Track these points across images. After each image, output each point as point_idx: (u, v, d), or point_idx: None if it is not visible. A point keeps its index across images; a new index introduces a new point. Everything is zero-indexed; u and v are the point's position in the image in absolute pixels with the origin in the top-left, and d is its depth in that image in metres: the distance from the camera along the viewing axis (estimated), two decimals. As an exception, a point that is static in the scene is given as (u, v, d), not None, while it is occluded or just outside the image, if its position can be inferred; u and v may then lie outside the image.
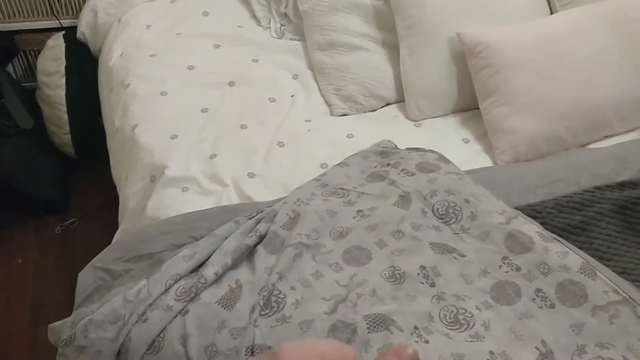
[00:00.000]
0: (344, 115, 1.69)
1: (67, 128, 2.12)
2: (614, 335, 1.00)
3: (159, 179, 1.47)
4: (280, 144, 1.55)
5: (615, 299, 1.04)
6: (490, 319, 1.03)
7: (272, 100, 1.69)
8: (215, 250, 1.12)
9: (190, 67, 1.77)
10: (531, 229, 1.16)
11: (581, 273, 1.08)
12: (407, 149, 1.45)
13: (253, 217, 1.21)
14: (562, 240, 1.16)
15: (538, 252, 1.12)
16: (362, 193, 1.27)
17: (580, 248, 1.23)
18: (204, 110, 1.64)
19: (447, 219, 1.20)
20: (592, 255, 1.21)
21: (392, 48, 1.72)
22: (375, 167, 1.37)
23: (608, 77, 1.53)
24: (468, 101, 1.65)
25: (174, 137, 1.56)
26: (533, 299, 1.07)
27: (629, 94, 1.54)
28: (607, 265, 1.20)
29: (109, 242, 1.38)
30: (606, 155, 1.43)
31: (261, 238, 1.14)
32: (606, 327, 1.02)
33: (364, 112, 1.70)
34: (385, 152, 1.42)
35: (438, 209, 1.21)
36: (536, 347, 1.00)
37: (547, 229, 1.24)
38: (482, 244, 1.15)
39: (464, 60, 1.60)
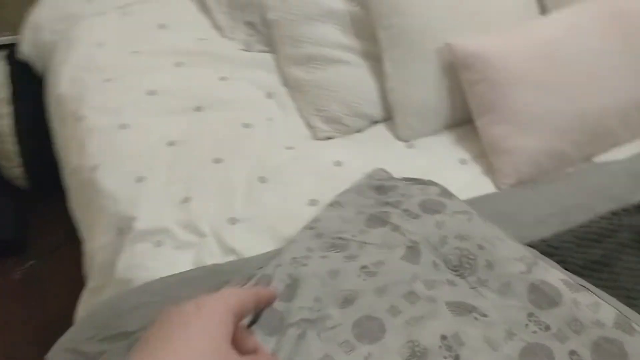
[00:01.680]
0: (328, 138, 1.54)
1: (18, 161, 1.91)
2: None
3: (127, 232, 1.30)
4: (262, 179, 1.40)
5: None
6: None
7: (247, 125, 1.53)
8: None
9: (151, 92, 1.59)
10: (555, 276, 1.04)
11: (617, 328, 0.97)
12: (405, 180, 1.31)
13: (241, 285, 1.06)
14: (589, 286, 1.04)
15: (567, 305, 1.00)
16: (364, 243, 1.13)
17: (605, 287, 1.12)
18: (171, 144, 1.47)
19: (462, 271, 1.07)
20: (618, 295, 1.11)
21: (375, 59, 1.57)
22: (373, 206, 1.23)
23: (611, 83, 1.42)
24: (461, 116, 1.52)
25: (139, 179, 1.39)
26: None
27: (633, 100, 1.43)
28: (635, 305, 1.10)
29: (75, 285, 1.23)
30: (619, 172, 1.33)
31: (256, 314, 1.00)
32: None
33: (350, 133, 1.55)
34: (381, 186, 1.28)
35: (451, 259, 1.08)
36: None
37: (567, 268, 1.13)
38: (503, 298, 1.03)
39: (455, 72, 1.46)
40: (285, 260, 1.09)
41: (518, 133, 1.37)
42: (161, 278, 1.17)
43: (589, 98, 1.39)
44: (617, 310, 1.00)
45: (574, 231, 1.20)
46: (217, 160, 1.44)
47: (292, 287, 1.03)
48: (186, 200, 1.35)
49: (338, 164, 1.45)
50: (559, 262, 1.15)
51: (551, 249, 1.17)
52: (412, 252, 1.09)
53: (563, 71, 1.39)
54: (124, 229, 1.31)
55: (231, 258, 1.24)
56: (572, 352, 0.96)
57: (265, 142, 1.49)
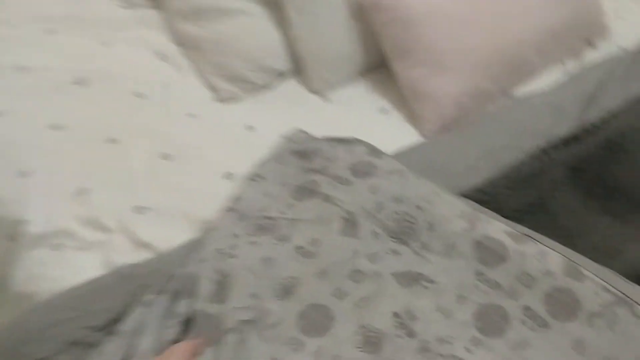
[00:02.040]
0: (234, 99, 1.39)
1: None
2: (619, 345, 0.88)
3: (18, 238, 1.13)
4: (166, 157, 1.25)
5: (608, 299, 0.92)
6: None
7: (140, 95, 1.36)
8: (126, 357, 0.85)
9: (21, 69, 1.37)
10: (498, 229, 1.00)
11: (566, 276, 0.94)
12: (328, 140, 1.20)
13: (163, 289, 0.94)
14: (533, 235, 1.00)
15: (514, 259, 0.96)
16: (295, 220, 1.03)
17: (544, 229, 1.09)
18: (55, 128, 1.28)
19: (404, 237, 1.00)
20: (559, 236, 1.08)
21: (275, 6, 1.42)
22: (298, 174, 1.12)
23: (525, 13, 1.36)
24: (376, 60, 1.42)
25: (23, 174, 1.20)
26: (523, 321, 0.92)
27: (546, 28, 1.38)
28: (576, 245, 1.08)
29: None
30: (540, 107, 1.29)
31: (184, 326, 0.88)
32: (608, 337, 0.89)
33: (258, 90, 1.41)
34: (303, 151, 1.16)
35: (390, 226, 1.01)
36: None
37: (503, 215, 1.09)
38: (449, 260, 0.98)
39: (365, 14, 1.34)
40: (209, 253, 0.97)
41: (437, 74, 1.29)
42: (70, 289, 1.02)
43: (505, 30, 1.33)
44: (564, 256, 0.96)
45: (505, 175, 1.16)
46: (111, 141, 1.27)
47: (223, 285, 0.92)
48: (82, 191, 1.18)
49: (250, 128, 1.32)
50: (495, 209, 1.10)
51: (486, 196, 1.12)
52: (349, 224, 1.00)
53: (477, 5, 1.31)
54: (14, 235, 1.14)
55: (146, 254, 1.10)
56: (526, 308, 0.93)
57: (163, 113, 1.33)
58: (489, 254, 0.97)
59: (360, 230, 0.99)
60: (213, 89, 1.40)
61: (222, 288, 0.92)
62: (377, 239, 0.99)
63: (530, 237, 0.99)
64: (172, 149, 1.26)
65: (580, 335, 0.90)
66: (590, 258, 1.04)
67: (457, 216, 1.01)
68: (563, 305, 0.92)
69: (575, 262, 0.96)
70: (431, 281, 0.95)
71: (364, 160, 1.10)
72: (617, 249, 1.07)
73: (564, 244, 1.07)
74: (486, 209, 1.07)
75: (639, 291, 0.95)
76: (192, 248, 1.04)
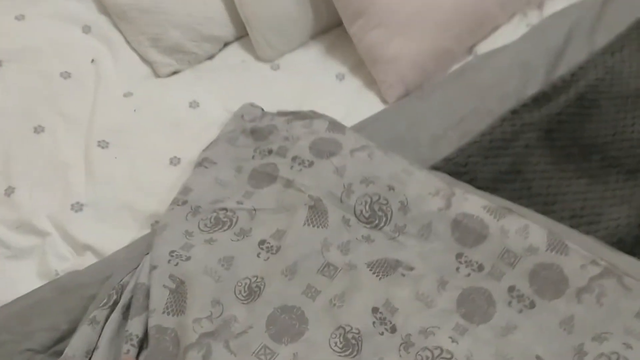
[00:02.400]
0: (174, 73, 1.26)
1: None
2: (608, 319, 0.84)
3: (-63, 250, 0.99)
4: (102, 144, 1.12)
5: (595, 272, 0.87)
6: (472, 349, 0.81)
7: (67, 75, 1.21)
8: None
9: None
10: (476, 204, 0.92)
11: (551, 251, 0.88)
12: (283, 115, 1.10)
13: (112, 302, 0.83)
14: (513, 207, 0.94)
15: (496, 237, 0.89)
16: (255, 210, 0.93)
17: (520, 198, 1.04)
18: (-30, 118, 1.12)
19: (377, 221, 0.92)
20: (535, 204, 1.03)
21: (212, -34, 1.28)
22: (254, 157, 1.01)
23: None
24: (329, 21, 1.30)
25: (-63, 175, 1.05)
26: (509, 302, 0.86)
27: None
28: (554, 212, 1.02)
29: None
30: (506, 65, 1.21)
31: (140, 344, 0.78)
32: (597, 312, 0.85)
33: (199, 62, 1.28)
34: (257, 129, 1.05)
35: (361, 210, 0.92)
36: None
37: (477, 185, 1.02)
38: (426, 243, 0.90)
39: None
40: (161, 257, 0.86)
41: (397, 36, 1.19)
42: (3, 306, 0.90)
43: (464, -18, 1.23)
44: (547, 229, 0.90)
45: (477, 142, 1.08)
46: (38, 130, 1.13)
47: (179, 293, 0.82)
48: (9, 191, 1.05)
49: (194, 104, 1.20)
50: (469, 181, 1.03)
51: (458, 167, 1.05)
52: (316, 212, 0.91)
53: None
54: None
55: (88, 258, 0.98)
56: (511, 288, 0.87)
57: (94, 94, 1.19)
58: (468, 233, 0.90)
59: (328, 218, 0.90)
60: (149, 63, 1.26)
61: (178, 298, 0.82)
62: (348, 226, 0.91)
63: (510, 210, 0.93)
64: (108, 135, 1.13)
65: (569, 313, 0.85)
66: (569, 225, 0.99)
67: (432, 194, 0.93)
68: (549, 282, 0.87)
69: (559, 235, 0.90)
70: (410, 268, 0.88)
71: (326, 138, 1.00)
72: (597, 213, 1.02)
73: (542, 212, 1.01)
74: (461, 182, 1.00)
75: (625, 260, 0.90)
76: (139, 249, 0.93)
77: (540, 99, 1.15)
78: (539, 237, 0.89)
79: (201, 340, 0.77)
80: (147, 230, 1.00)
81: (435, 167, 1.05)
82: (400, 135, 1.10)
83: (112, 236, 1.00)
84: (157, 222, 1.01)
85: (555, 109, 1.13)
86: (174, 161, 1.11)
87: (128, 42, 1.29)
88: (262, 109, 1.13)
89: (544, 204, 1.03)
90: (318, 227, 0.90)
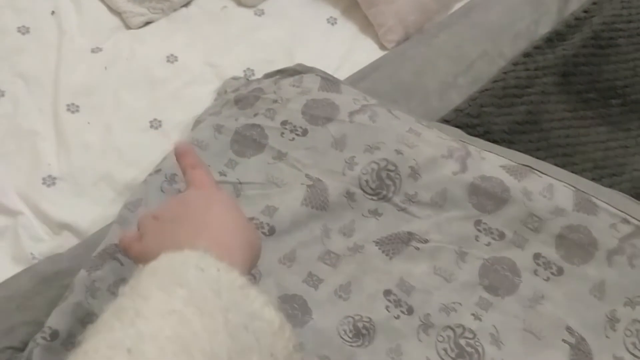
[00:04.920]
0: (147, 24, 1.16)
1: None
2: None
3: None
4: (72, 108, 1.03)
5: (627, 231, 0.82)
6: (498, 325, 0.77)
7: (24, 30, 1.11)
8: None
9: None
10: (494, 164, 0.86)
11: (579, 211, 0.83)
12: (269, 76, 1.01)
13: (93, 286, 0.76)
14: (534, 164, 0.88)
15: (518, 199, 0.83)
16: (241, 183, 0.86)
17: (538, 150, 0.98)
18: None
19: (385, 192, 0.85)
20: (555, 156, 0.98)
21: None
22: (238, 121, 0.92)
23: None
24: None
25: None
26: (535, 271, 0.81)
27: None
28: (574, 164, 0.98)
29: None
30: (516, 2, 1.13)
31: None
32: (629, 274, 0.80)
33: (175, 10, 1.18)
34: (241, 97, 0.96)
35: (368, 181, 0.85)
36: (564, 341, 0.77)
37: (492, 139, 0.96)
38: (441, 212, 0.84)
39: None
40: None
41: (394, -28, 1.10)
42: (-26, 299, 0.83)
43: None
44: (573, 186, 0.85)
45: (489, 89, 1.01)
46: (-2, 94, 1.03)
47: None
48: (-29, 167, 0.96)
49: (171, 58, 1.11)
50: (483, 133, 0.97)
51: (470, 118, 0.99)
52: (313, 192, 0.84)
53: None
54: None
55: (67, 238, 0.91)
56: (537, 256, 0.82)
57: (57, 51, 1.09)
58: (487, 197, 0.84)
59: (329, 197, 0.83)
60: (118, 13, 1.16)
61: None
62: (353, 202, 0.84)
63: (531, 168, 0.87)
64: (77, 97, 1.04)
65: (599, 278, 0.81)
66: (592, 178, 0.94)
67: (445, 156, 0.86)
68: (578, 246, 0.82)
69: (585, 192, 0.85)
70: (424, 240, 0.82)
71: (319, 99, 0.92)
72: (620, 164, 0.97)
73: (562, 165, 0.96)
74: (474, 138, 0.94)
75: None
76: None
77: (554, 40, 1.08)
78: (565, 196, 0.84)
79: None
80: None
81: (446, 120, 0.98)
82: (405, 85, 1.03)
83: (92, 212, 0.93)
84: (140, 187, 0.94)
85: (570, 50, 1.06)
86: (155, 124, 1.03)
87: (91, -10, 1.17)
88: (247, 79, 1.04)
89: (563, 156, 0.98)
90: (317, 208, 0.82)
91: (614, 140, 1.00)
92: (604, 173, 0.96)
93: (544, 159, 0.96)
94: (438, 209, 0.84)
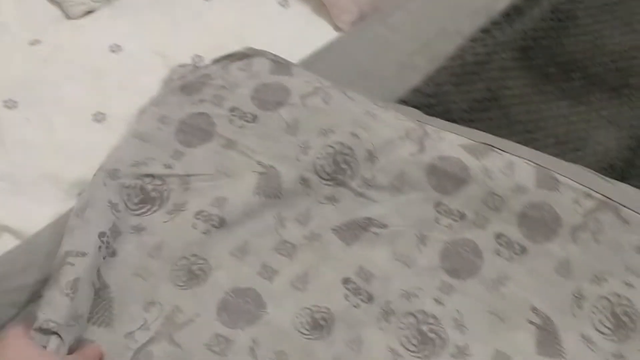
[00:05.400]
0: (88, 13, 1.11)
1: None
2: (606, 257, 0.78)
3: None
4: (10, 104, 0.98)
5: (590, 206, 0.80)
6: (461, 309, 0.75)
7: (-43, 24, 1.05)
8: None
9: None
10: (453, 143, 0.84)
11: (541, 187, 0.81)
12: (218, 62, 0.97)
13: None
14: (494, 142, 0.85)
15: (478, 179, 0.81)
16: (188, 175, 0.82)
17: (499, 127, 0.96)
18: None
19: (341, 176, 0.82)
20: (516, 133, 0.96)
21: None
22: (184, 109, 0.88)
23: None
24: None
25: None
26: (497, 251, 0.79)
27: None
28: (536, 140, 0.96)
29: None
30: (473, -23, 1.10)
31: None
32: (594, 250, 0.79)
33: (115, -2, 1.13)
34: (187, 84, 0.92)
35: (324, 166, 0.82)
36: (529, 322, 0.75)
37: (452, 118, 0.94)
38: (399, 195, 0.82)
39: None
40: (90, 243, 0.74)
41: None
42: None
43: None
44: (534, 162, 0.83)
45: (447, 68, 0.99)
46: None
47: (104, 300, 0.72)
48: None
49: (115, 48, 1.06)
50: (442, 113, 0.94)
51: (428, 98, 0.96)
52: (268, 179, 0.80)
53: None
54: None
55: (7, 241, 0.86)
56: (499, 235, 0.80)
57: (-5, 43, 1.04)
58: (446, 178, 0.82)
59: (282, 184, 0.80)
60: (57, 3, 1.11)
61: (104, 304, 0.71)
62: (308, 189, 0.81)
63: (491, 146, 0.85)
64: (15, 92, 0.99)
65: (564, 255, 0.79)
66: (554, 154, 0.92)
67: (402, 137, 0.84)
68: (541, 223, 0.80)
69: (547, 168, 0.83)
70: (383, 225, 0.79)
71: (270, 83, 0.88)
72: (582, 138, 0.96)
73: (523, 141, 0.94)
74: (432, 118, 0.91)
75: (621, 190, 0.84)
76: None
77: (512, 14, 1.06)
78: (526, 173, 0.82)
79: (138, 356, 0.68)
80: (74, 202, 0.88)
81: (404, 101, 0.95)
82: (361, 66, 1.00)
83: (33, 212, 0.88)
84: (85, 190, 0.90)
85: (529, 24, 1.04)
86: (99, 117, 0.98)
87: (31, -20, 1.12)
88: (194, 65, 1.00)
89: (524, 132, 0.96)
90: (269, 197, 0.79)
91: (576, 114, 0.98)
92: (566, 148, 0.94)
93: (505, 136, 0.93)
94: (396, 192, 0.82)
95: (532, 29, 1.04)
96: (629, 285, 0.77)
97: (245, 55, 0.95)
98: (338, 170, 0.82)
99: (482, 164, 0.82)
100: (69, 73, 1.02)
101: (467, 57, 0.99)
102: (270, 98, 0.86)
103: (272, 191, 0.79)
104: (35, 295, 0.75)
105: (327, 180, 0.81)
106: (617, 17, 1.07)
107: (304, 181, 0.81)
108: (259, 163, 0.81)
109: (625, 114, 0.97)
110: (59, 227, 0.83)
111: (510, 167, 0.82)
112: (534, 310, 0.76)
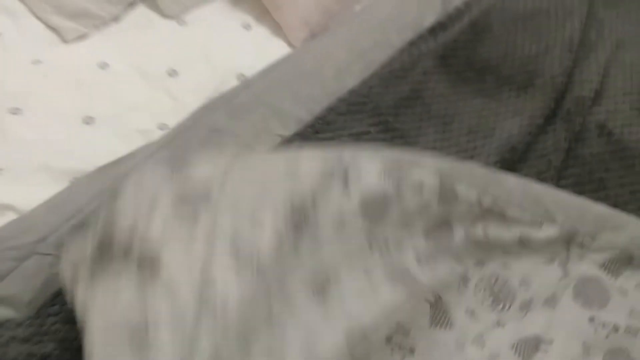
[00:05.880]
0: (81, 37, 1.32)
1: None
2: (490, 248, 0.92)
3: None
4: (14, 111, 1.18)
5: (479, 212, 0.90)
6: None
7: (-28, 48, 1.26)
8: None
9: None
10: (373, 170, 0.88)
11: (442, 202, 0.89)
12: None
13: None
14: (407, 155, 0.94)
15: (394, 199, 0.87)
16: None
17: (421, 120, 1.15)
18: None
19: (501, 305, 0.89)
20: (435, 124, 1.15)
21: None
22: None
23: None
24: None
25: None
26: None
27: None
28: (452, 130, 1.14)
29: None
30: (405, -1, 1.31)
31: None
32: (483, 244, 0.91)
33: (106, 24, 1.34)
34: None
35: (483, 299, 0.89)
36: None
37: (380, 111, 1.13)
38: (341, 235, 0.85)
39: None
40: None
41: (296, -21, 1.28)
42: None
43: None
44: (439, 177, 0.89)
45: (378, 73, 1.18)
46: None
47: None
48: None
49: (103, 65, 1.27)
50: (372, 109, 1.13)
51: (361, 97, 1.15)
52: (438, 311, 0.87)
53: None
54: None
55: (11, 217, 1.05)
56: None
57: (3, 64, 1.25)
58: (373, 205, 0.86)
59: (451, 316, 0.87)
60: (55, 30, 1.32)
61: None
62: (474, 319, 0.88)
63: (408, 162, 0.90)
64: (20, 102, 1.19)
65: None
66: (466, 140, 1.11)
67: (322, 175, 0.86)
68: (439, 238, 0.88)
69: (451, 176, 0.90)
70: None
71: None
72: (492, 127, 1.14)
73: (441, 131, 1.13)
74: (364, 151, 0.93)
75: (510, 185, 0.93)
76: (59, 201, 1.00)
77: (436, 29, 1.26)
78: (432, 187, 0.88)
79: None
80: (63, 187, 1.08)
81: (340, 99, 1.14)
82: (306, 71, 1.19)
83: (31, 195, 1.07)
84: (75, 178, 1.09)
85: (450, 37, 1.24)
86: (88, 120, 1.18)
87: (31, 12, 1.34)
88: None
89: (443, 124, 1.15)
90: (446, 327, 0.86)
91: (487, 109, 1.17)
92: (477, 136, 1.13)
93: (425, 127, 1.13)
94: (338, 234, 0.84)
95: (452, 41, 1.23)
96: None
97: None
98: (498, 300, 0.89)
99: (397, 182, 0.87)
100: (63, 85, 1.22)
101: (395, 64, 1.19)
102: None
103: (445, 322, 0.87)
104: (31, 252, 0.93)
105: (489, 311, 0.89)
106: (528, 29, 1.26)
107: (470, 312, 0.88)
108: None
109: (528, 107, 1.15)
110: (52, 203, 1.02)
111: (420, 185, 0.88)
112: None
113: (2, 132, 1.15)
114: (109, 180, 1.01)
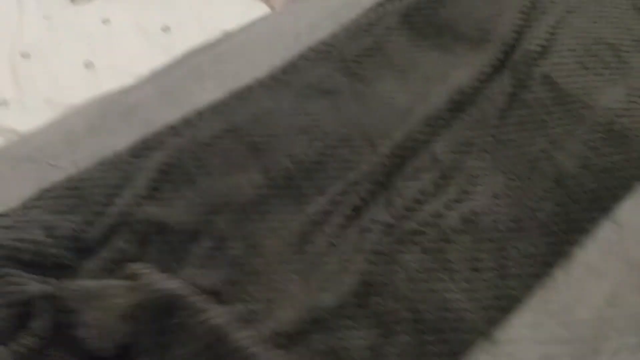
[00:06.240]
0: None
1: None
2: None
3: None
4: (25, 55, 1.35)
5: None
6: None
7: (-8, 5, 1.45)
8: None
9: None
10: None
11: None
12: None
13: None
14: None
15: None
16: None
17: (382, 68, 1.28)
18: None
19: None
20: (395, 71, 1.27)
21: None
22: None
23: None
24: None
25: None
26: None
27: None
28: (409, 78, 1.27)
29: None
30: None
31: None
32: None
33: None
34: None
35: None
36: None
37: (344, 58, 1.26)
38: None
39: None
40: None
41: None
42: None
43: None
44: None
45: (346, 28, 1.33)
46: (-32, 48, 1.36)
47: None
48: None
49: (106, 21, 1.44)
50: (337, 56, 1.27)
51: (328, 46, 1.29)
52: None
53: None
54: None
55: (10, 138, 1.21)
56: None
57: (19, 16, 1.43)
58: None
59: None
60: (66, -8, 1.50)
61: None
62: None
63: None
64: (30, 48, 1.36)
65: None
66: (421, 85, 1.24)
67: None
68: None
69: None
70: None
71: None
72: (445, 74, 1.26)
73: (400, 79, 1.26)
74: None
75: None
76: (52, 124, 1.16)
77: (406, -7, 1.41)
78: None
79: None
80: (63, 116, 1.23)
81: (310, 49, 1.29)
82: (282, 29, 1.34)
83: (35, 123, 1.23)
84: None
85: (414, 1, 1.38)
86: (88, 65, 1.34)
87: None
88: None
89: (401, 72, 1.27)
90: None
91: (443, 61, 1.30)
92: (430, 83, 1.25)
93: (386, 74, 1.26)
94: None
95: (416, 2, 1.38)
96: None
97: None
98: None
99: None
100: (70, 37, 1.40)
101: (361, 21, 1.33)
102: None
103: None
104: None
105: None
106: (487, -6, 1.40)
107: None
108: None
109: (478, 59, 1.28)
110: (47, 127, 1.18)
111: None
112: None
113: (13, 71, 1.32)
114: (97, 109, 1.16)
